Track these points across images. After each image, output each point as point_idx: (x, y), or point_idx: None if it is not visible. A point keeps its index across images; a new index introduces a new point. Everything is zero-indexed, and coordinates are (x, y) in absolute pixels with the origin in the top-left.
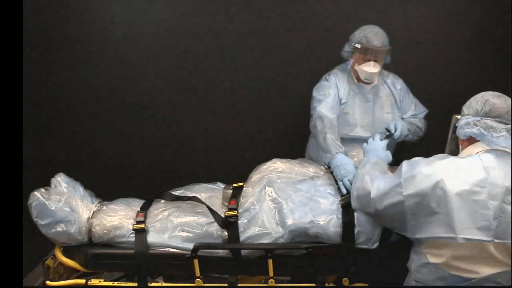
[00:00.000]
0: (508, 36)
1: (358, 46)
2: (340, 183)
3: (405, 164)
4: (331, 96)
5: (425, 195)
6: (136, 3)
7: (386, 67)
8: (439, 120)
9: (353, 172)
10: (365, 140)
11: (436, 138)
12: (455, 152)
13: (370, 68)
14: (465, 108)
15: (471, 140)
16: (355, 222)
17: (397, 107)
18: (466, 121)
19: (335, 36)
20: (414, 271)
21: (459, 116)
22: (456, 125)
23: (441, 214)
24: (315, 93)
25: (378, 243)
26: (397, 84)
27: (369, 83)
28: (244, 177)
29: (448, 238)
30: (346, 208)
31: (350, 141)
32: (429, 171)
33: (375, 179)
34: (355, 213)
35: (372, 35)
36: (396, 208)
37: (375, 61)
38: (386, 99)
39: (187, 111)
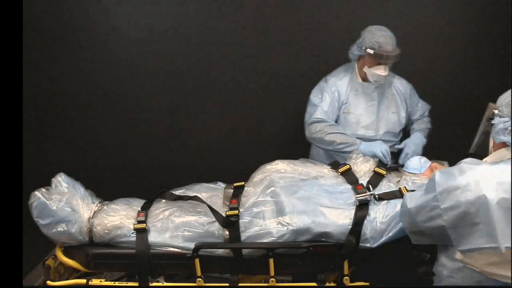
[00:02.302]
0: (508, 36)
1: (371, 51)
2: (380, 154)
3: (437, 176)
4: (326, 101)
5: (463, 207)
6: (135, 5)
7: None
8: (439, 119)
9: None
10: (368, 139)
11: (438, 136)
12: (483, 146)
13: (382, 71)
14: (505, 107)
15: (505, 143)
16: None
17: (403, 107)
18: (503, 126)
19: (337, 36)
20: (446, 276)
21: (496, 109)
22: (491, 117)
23: (482, 224)
24: (312, 95)
25: (379, 243)
26: (401, 86)
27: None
28: (245, 177)
29: (490, 249)
30: (360, 206)
31: None
32: (464, 182)
33: (413, 194)
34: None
35: (384, 40)
36: (435, 222)
37: (386, 64)
38: (392, 99)
39: (187, 111)
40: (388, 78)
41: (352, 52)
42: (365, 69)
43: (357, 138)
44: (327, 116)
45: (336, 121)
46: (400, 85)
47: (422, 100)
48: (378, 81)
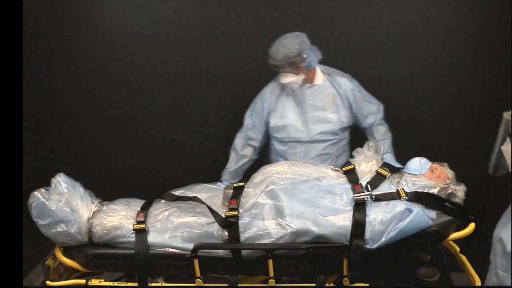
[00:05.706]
0: (508, 37)
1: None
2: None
3: None
4: (252, 117)
5: None
6: (134, 6)
7: (380, 61)
8: (438, 121)
9: None
10: (302, 141)
11: (437, 138)
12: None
13: (282, 78)
14: None
15: None
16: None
17: (344, 106)
18: None
19: (334, 36)
20: None
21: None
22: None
23: None
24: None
25: (378, 244)
26: (341, 83)
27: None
28: (244, 177)
29: None
30: (358, 206)
31: (290, 143)
32: None
33: None
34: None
35: (274, 48)
36: None
37: (288, 71)
38: (332, 98)
39: (187, 111)
40: (328, 77)
41: None
42: None
43: (292, 141)
44: (254, 132)
45: (267, 127)
46: (341, 83)
47: (373, 97)
48: (288, 87)
